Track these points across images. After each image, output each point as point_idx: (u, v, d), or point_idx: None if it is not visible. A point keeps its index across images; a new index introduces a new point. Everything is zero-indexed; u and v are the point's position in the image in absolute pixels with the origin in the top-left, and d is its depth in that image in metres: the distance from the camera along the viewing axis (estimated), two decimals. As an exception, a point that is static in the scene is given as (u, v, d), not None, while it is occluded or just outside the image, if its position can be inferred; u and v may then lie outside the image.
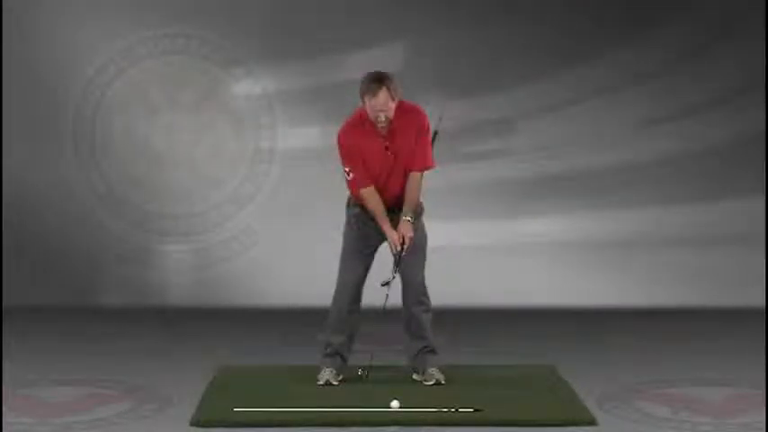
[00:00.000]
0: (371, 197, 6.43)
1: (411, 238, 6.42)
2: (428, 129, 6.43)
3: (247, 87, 9.49)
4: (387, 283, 6.36)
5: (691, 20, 9.45)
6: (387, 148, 6.38)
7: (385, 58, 9.00)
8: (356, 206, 6.55)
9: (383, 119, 6.28)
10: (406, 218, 6.42)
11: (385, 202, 6.46)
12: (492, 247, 9.45)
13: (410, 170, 6.43)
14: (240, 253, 9.44)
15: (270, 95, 9.46)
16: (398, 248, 6.40)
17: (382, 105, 6.24)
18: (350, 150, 6.40)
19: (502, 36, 9.45)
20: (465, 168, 9.47)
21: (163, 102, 9.47)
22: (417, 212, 6.52)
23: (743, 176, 9.46)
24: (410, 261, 6.49)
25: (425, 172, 6.48)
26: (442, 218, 9.15)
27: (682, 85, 9.46)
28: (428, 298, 6.59)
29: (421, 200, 6.55)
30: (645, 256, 9.45)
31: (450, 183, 9.39)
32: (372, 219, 6.49)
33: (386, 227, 6.42)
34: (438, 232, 8.85)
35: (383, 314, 6.38)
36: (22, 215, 9.37)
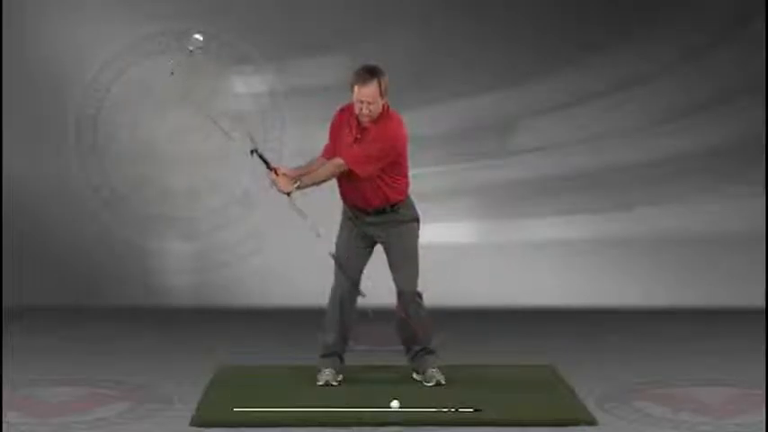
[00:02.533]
0: (317, 162, 6.54)
1: (279, 190, 6.38)
2: (386, 142, 6.36)
3: (254, 86, 9.45)
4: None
5: (691, 20, 9.45)
6: (355, 140, 6.42)
7: (389, 57, 8.97)
8: (352, 210, 6.58)
9: (365, 112, 6.33)
10: (297, 181, 6.37)
11: (355, 202, 6.50)
12: (492, 247, 9.44)
13: (339, 155, 6.44)
14: (244, 254, 9.42)
15: (277, 94, 9.43)
16: (274, 185, 6.37)
17: (368, 97, 6.30)
18: (330, 125, 6.56)
19: (502, 36, 9.45)
20: (465, 169, 9.47)
21: (167, 101, 9.44)
22: (311, 183, 6.42)
23: (743, 176, 9.46)
24: (401, 270, 6.50)
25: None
26: (443, 218, 9.20)
27: (682, 85, 9.45)
28: (421, 303, 6.57)
29: (414, 204, 6.56)
30: (645, 256, 9.45)
31: (449, 183, 9.41)
32: (363, 220, 6.52)
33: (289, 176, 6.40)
34: (438, 232, 8.88)
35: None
36: (22, 215, 9.37)
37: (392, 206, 6.51)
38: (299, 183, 6.40)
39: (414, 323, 6.53)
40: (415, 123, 8.94)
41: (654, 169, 9.46)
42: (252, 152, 6.46)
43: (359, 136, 6.42)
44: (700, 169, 9.47)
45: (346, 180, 6.49)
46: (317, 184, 6.45)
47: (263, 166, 6.44)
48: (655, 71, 9.44)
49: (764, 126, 9.36)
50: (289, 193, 6.40)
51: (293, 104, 9.39)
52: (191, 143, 9.41)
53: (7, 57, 9.29)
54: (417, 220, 6.58)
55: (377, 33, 9.34)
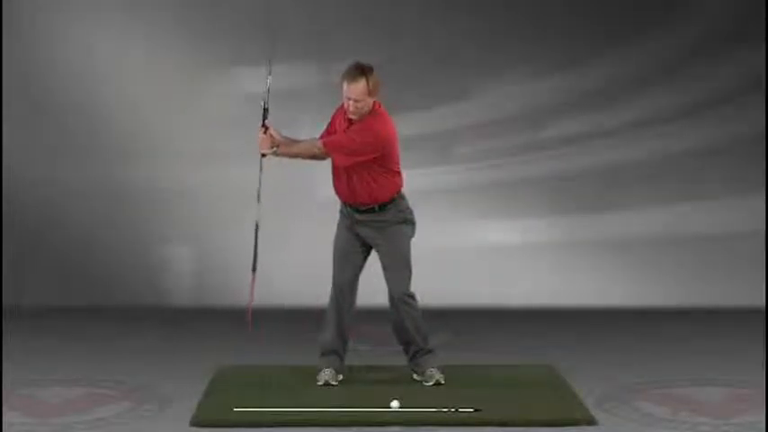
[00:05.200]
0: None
1: (259, 147, 6.47)
2: (366, 138, 6.38)
3: (261, 85, 9.38)
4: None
5: (691, 20, 9.45)
6: (344, 132, 6.48)
7: (390, 57, 8.97)
8: (345, 207, 6.59)
9: (352, 109, 6.39)
10: (280, 147, 6.47)
11: (346, 198, 6.53)
12: (492, 247, 9.44)
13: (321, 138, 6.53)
14: (244, 255, 9.39)
15: (285, 94, 9.39)
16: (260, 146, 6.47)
17: (356, 95, 6.35)
18: (332, 116, 6.62)
19: (501, 36, 9.45)
20: (464, 169, 9.46)
21: (169, 99, 9.43)
22: (288, 153, 6.53)
23: (743, 176, 9.45)
24: (392, 273, 6.51)
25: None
26: (443, 219, 9.19)
27: (682, 85, 9.45)
28: (414, 305, 6.56)
29: (410, 207, 6.56)
30: (645, 255, 9.44)
31: (449, 184, 9.40)
32: (354, 218, 6.53)
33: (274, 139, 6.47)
34: (439, 233, 8.87)
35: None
36: (22, 215, 9.36)
37: (381, 206, 6.51)
38: (276, 149, 6.47)
39: (407, 324, 6.54)
40: (416, 124, 9.00)
41: (654, 169, 9.46)
42: (263, 105, 6.53)
43: (346, 129, 6.46)
44: (700, 169, 9.47)
45: (338, 175, 6.52)
46: (293, 156, 6.55)
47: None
48: (654, 71, 9.44)
49: (764, 126, 9.36)
50: (264, 155, 6.48)
51: (303, 104, 9.37)
52: (193, 142, 9.40)
53: (7, 57, 9.28)
54: (409, 221, 6.57)
55: (385, 35, 9.32)
